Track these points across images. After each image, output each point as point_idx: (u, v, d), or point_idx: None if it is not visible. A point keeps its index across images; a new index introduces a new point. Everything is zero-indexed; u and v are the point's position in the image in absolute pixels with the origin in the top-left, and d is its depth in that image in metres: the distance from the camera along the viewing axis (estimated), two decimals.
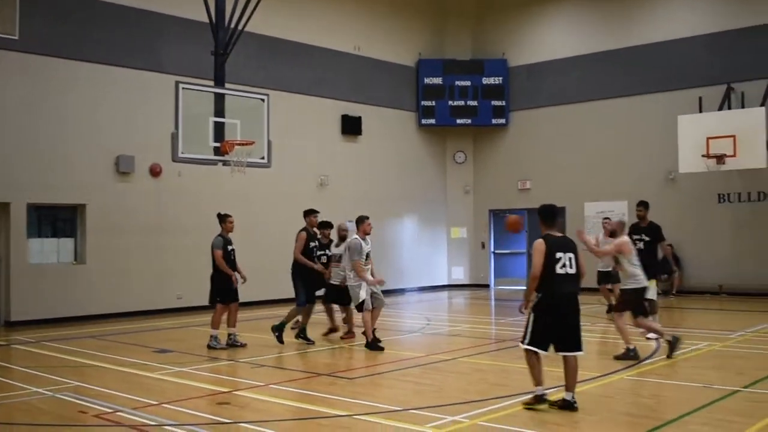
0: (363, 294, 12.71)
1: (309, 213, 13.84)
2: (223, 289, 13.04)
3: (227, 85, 15.18)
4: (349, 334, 13.94)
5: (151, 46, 19.17)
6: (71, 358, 12.21)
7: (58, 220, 18.28)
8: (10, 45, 16.59)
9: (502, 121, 25.83)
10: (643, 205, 13.93)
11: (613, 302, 17.01)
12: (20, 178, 17.00)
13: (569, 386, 8.09)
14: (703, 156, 19.75)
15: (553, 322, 8.08)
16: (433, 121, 25.83)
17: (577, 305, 8.22)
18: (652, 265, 13.35)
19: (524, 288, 8.38)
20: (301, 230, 13.52)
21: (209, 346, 12.91)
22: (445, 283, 26.67)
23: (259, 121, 14.85)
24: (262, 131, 14.80)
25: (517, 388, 8.62)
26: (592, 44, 24.35)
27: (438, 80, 25.73)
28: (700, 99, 21.63)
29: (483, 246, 26.67)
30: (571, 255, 8.21)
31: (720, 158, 19.59)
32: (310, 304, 13.51)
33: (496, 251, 26.50)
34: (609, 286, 16.97)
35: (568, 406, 8.01)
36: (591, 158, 24.12)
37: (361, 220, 13.03)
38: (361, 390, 9.53)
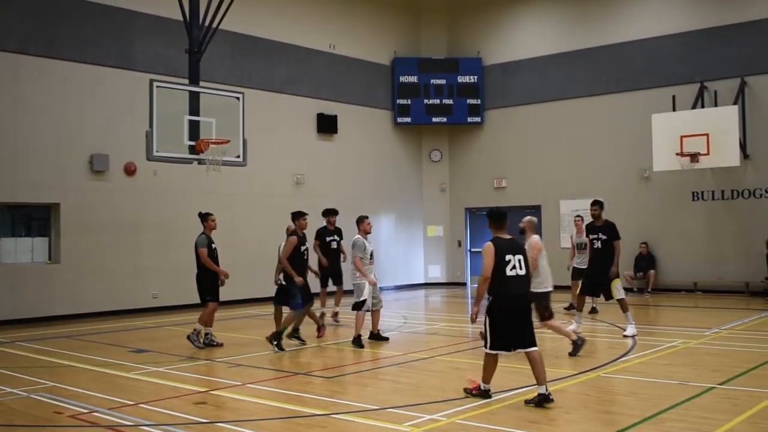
0: (366, 293, 12.79)
1: (298, 216, 13.10)
2: (212, 287, 13.00)
3: (202, 83, 15.09)
4: (321, 330, 13.89)
5: (125, 44, 19.02)
6: (46, 359, 12.10)
7: (32, 219, 18.11)
8: None
9: (478, 119, 25.92)
10: (597, 204, 13.83)
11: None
12: None
13: (541, 380, 8.19)
14: (677, 154, 19.93)
15: (509, 323, 8.28)
16: (408, 119, 25.86)
17: (528, 304, 8.48)
18: (611, 264, 13.40)
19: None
20: (291, 234, 13.00)
21: (189, 338, 12.84)
22: (422, 281, 26.70)
23: (235, 120, 14.80)
24: (237, 130, 14.75)
25: (496, 386, 8.64)
26: (567, 42, 24.48)
27: (413, 79, 25.76)
28: (674, 97, 21.81)
29: (459, 244, 26.75)
30: (520, 257, 8.46)
31: (694, 156, 19.76)
32: (308, 305, 13.12)
33: (473, 249, 26.55)
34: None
35: (544, 399, 8.07)
36: (566, 156, 24.25)
37: (360, 220, 13.21)
38: (338, 389, 9.53)
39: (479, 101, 25.88)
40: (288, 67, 22.66)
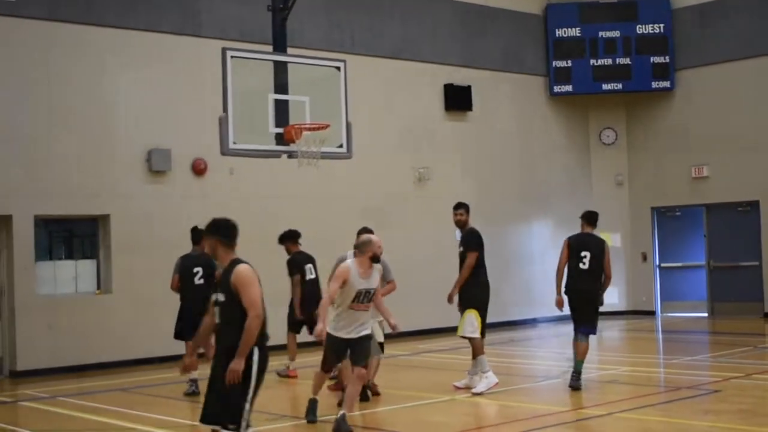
0: None
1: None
2: None
3: (290, 51, 15.33)
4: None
5: (188, 3, 19.53)
6: (95, 419, 12.52)
7: (74, 236, 18.69)
8: (4, 9, 17.12)
9: (667, 83, 25.49)
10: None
11: None
12: (23, 183, 17.39)
13: None
14: None
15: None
16: (569, 87, 25.68)
17: None
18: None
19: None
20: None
21: None
22: None
23: (335, 97, 14.96)
24: (338, 110, 14.90)
25: None
26: None
27: (575, 32, 25.56)
28: None
29: (644, 258, 26.32)
30: None
31: None
32: None
33: (663, 265, 26.11)
34: None
35: None
36: None
37: None
38: None
39: (668, 59, 25.46)
40: (403, 24, 22.78)
